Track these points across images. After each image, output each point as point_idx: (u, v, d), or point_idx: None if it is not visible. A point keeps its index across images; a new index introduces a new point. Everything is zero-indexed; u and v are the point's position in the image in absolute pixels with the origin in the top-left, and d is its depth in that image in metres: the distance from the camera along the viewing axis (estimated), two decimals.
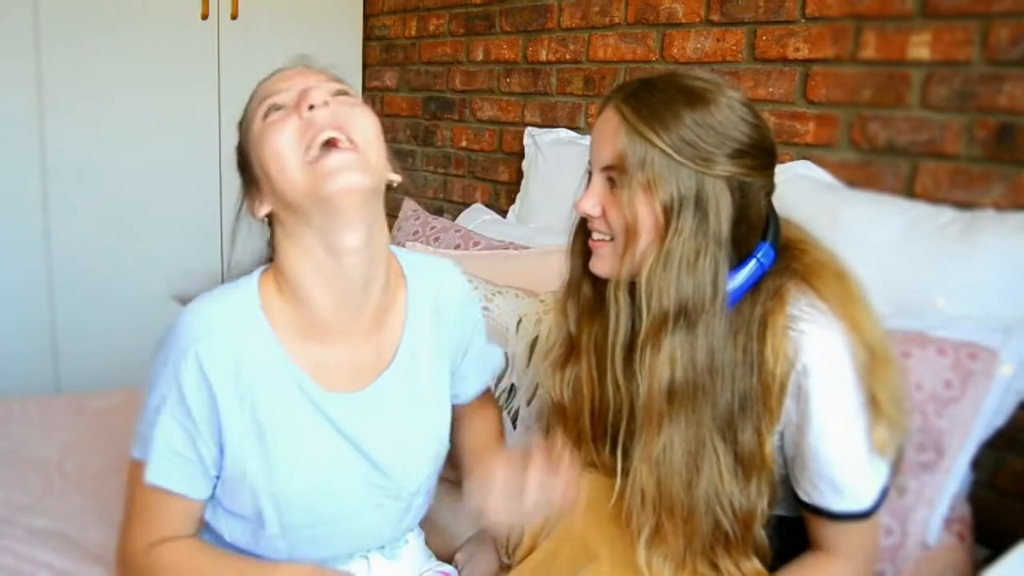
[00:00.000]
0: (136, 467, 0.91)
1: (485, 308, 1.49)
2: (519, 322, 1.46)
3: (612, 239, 0.95)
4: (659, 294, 0.89)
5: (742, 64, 1.72)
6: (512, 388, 1.43)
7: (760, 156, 0.92)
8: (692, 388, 0.90)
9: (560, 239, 1.80)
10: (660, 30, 1.91)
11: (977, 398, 1.13)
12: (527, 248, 1.80)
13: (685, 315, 0.89)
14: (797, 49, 1.62)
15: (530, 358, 1.43)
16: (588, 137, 2.09)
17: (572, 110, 2.17)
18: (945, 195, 1.43)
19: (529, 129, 2.24)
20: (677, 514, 0.91)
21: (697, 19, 1.83)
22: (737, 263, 0.92)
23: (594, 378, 1.03)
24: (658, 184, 0.88)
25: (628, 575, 0.95)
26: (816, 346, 0.89)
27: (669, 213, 0.89)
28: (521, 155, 2.26)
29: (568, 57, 2.16)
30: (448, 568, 1.10)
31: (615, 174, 0.93)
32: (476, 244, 1.88)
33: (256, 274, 0.94)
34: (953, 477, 1.14)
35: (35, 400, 1.68)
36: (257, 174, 0.90)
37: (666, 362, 0.89)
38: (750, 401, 0.91)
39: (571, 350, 1.06)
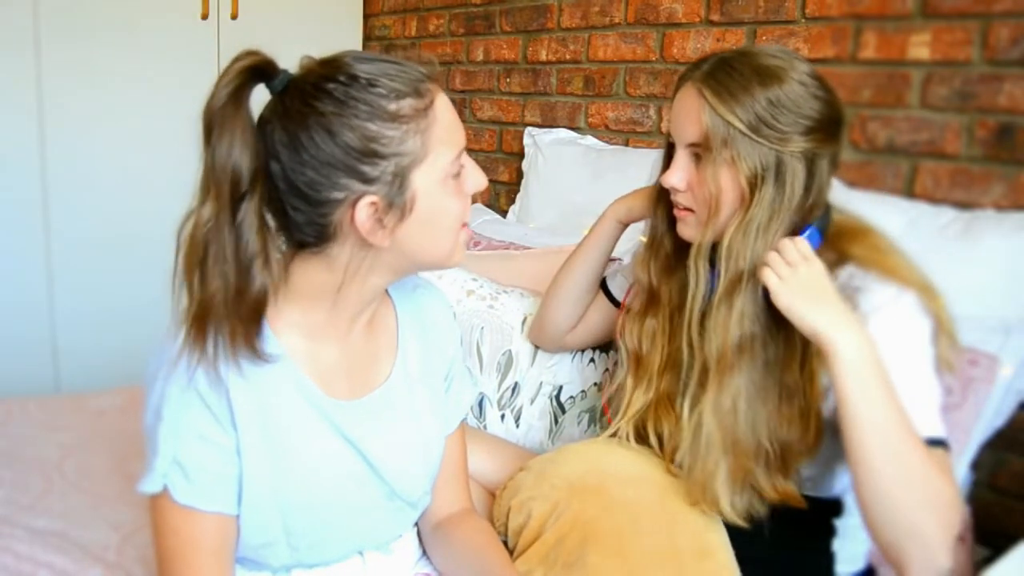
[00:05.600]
0: (160, 502, 0.85)
1: (490, 307, 1.49)
2: (524, 321, 1.46)
3: (694, 210, 1.02)
4: (737, 257, 0.96)
5: None
6: (516, 386, 1.43)
7: (829, 128, 0.98)
8: (757, 340, 0.96)
9: (560, 239, 1.82)
10: (660, 30, 1.91)
11: (978, 404, 1.13)
12: (527, 248, 1.80)
13: (755, 275, 0.95)
14: (797, 49, 1.62)
15: (534, 357, 1.44)
16: (588, 137, 2.13)
17: (572, 110, 2.17)
18: (945, 195, 1.43)
19: (529, 129, 2.24)
20: (744, 453, 0.96)
21: (697, 19, 1.83)
22: (798, 231, 0.98)
23: (667, 331, 1.10)
24: (741, 160, 0.94)
25: (636, 561, 0.96)
26: (877, 309, 0.94)
27: (752, 186, 0.95)
28: (521, 155, 2.26)
29: (568, 57, 2.16)
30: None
31: (700, 151, 0.98)
32: (476, 244, 1.88)
33: None
34: None
35: (35, 400, 1.67)
36: (408, 208, 0.83)
37: (737, 319, 0.96)
38: (797, 345, 0.96)
39: (651, 302, 1.13)
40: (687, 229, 1.04)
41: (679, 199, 1.03)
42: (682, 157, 1.00)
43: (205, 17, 2.45)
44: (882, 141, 1.51)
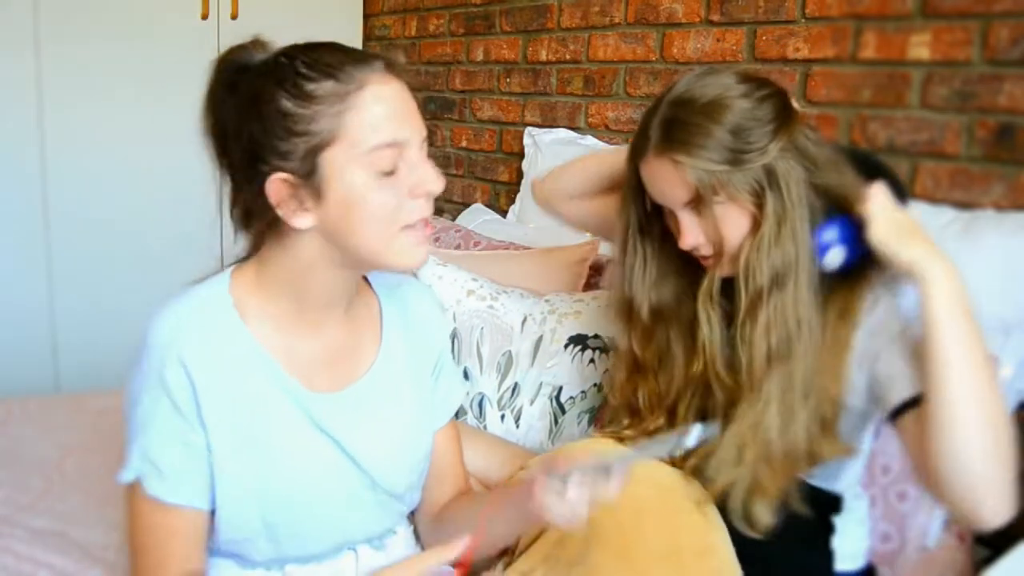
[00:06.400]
0: (134, 493, 0.87)
1: (490, 307, 1.49)
2: (524, 321, 1.46)
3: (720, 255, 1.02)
4: (755, 275, 0.97)
5: (742, 64, 1.72)
6: (516, 387, 1.43)
7: (786, 112, 0.98)
8: (787, 346, 0.97)
9: (560, 239, 1.82)
10: (660, 30, 1.91)
11: None
12: (527, 248, 1.80)
13: (776, 282, 0.97)
14: (797, 49, 1.62)
15: (534, 358, 1.44)
16: (588, 137, 2.13)
17: (572, 110, 2.17)
18: (945, 195, 1.43)
19: (529, 129, 2.24)
20: (776, 459, 0.97)
21: (697, 19, 1.83)
22: (825, 210, 0.98)
23: (658, 391, 1.10)
24: (738, 193, 0.96)
25: (638, 559, 0.96)
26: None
27: (759, 206, 0.96)
28: (521, 155, 2.26)
29: (568, 57, 2.16)
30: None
31: (699, 205, 0.99)
32: (476, 244, 1.88)
33: (228, 271, 0.92)
34: None
35: (35, 400, 1.68)
36: (321, 188, 0.83)
37: (763, 332, 0.97)
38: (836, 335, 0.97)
39: (635, 370, 1.12)
40: (722, 270, 1.04)
41: (701, 251, 1.03)
42: (685, 217, 1.00)
43: (205, 17, 2.45)
44: (882, 141, 1.51)
